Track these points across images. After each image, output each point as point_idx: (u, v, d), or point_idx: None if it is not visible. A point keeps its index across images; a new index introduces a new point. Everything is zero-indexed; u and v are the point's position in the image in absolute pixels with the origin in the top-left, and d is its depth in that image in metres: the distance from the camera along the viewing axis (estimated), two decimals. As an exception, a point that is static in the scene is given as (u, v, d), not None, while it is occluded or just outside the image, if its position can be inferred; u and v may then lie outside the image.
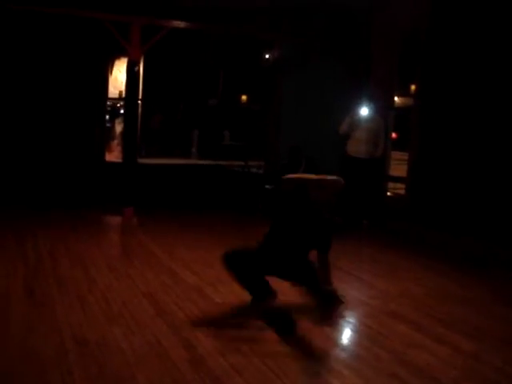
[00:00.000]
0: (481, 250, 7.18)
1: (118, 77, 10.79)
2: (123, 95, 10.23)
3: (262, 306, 4.65)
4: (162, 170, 9.65)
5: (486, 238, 7.33)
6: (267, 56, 10.77)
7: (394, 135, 11.58)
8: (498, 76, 7.51)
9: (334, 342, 4.33)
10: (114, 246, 7.37)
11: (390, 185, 10.16)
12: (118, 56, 10.36)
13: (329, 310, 4.56)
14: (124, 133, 9.28)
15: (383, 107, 9.30)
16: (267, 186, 9.75)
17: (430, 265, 6.76)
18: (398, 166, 10.65)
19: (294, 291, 4.61)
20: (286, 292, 4.80)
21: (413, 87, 9.78)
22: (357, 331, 4.64)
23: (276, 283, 4.68)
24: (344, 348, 4.25)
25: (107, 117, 10.66)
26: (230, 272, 4.64)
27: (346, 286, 5.40)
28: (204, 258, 6.35)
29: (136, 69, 8.57)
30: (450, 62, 8.25)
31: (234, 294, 5.11)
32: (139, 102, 9.74)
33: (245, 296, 5.08)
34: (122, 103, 10.64)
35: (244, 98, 12.07)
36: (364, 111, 9.00)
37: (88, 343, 3.86)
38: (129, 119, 8.91)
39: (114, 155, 10.33)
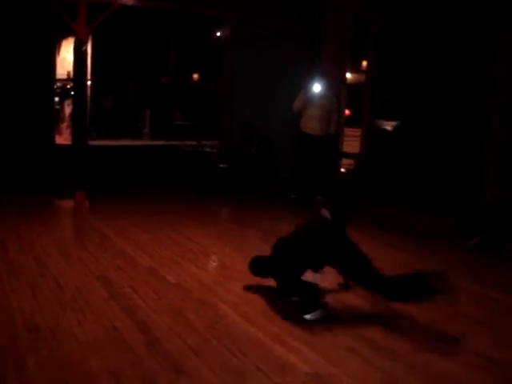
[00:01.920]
0: (427, 223, 7.30)
1: (66, 57, 10.51)
2: (72, 76, 9.97)
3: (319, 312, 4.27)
4: (114, 151, 9.45)
5: (431, 210, 7.46)
6: (218, 34, 10.63)
7: (347, 112, 11.61)
8: (446, 51, 7.58)
9: (291, 319, 4.32)
10: (66, 230, 7.21)
11: (345, 161, 10.22)
12: (65, 36, 10.07)
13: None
14: (73, 114, 9.04)
15: (336, 84, 9.30)
16: (222, 165, 9.69)
17: (385, 238, 6.82)
18: (352, 142, 10.69)
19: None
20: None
21: (364, 63, 9.77)
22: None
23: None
24: (301, 325, 4.25)
25: (57, 99, 10.38)
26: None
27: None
28: (158, 238, 6.27)
29: (83, 48, 8.34)
30: (402, 39, 8.29)
31: (187, 273, 5.08)
32: (88, 82, 9.52)
33: (201, 275, 5.05)
34: (71, 84, 10.36)
35: (196, 76, 11.91)
36: (317, 88, 8.98)
37: (41, 329, 3.76)
38: (77, 100, 8.68)
39: (63, 138, 10.07)
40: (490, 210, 6.22)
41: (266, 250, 5.21)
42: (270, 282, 4.58)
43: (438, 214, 7.41)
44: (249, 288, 4.76)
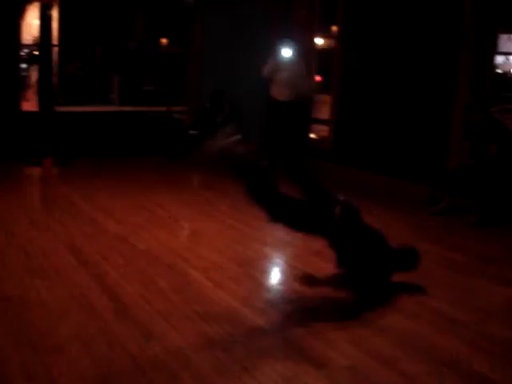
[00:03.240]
0: (399, 188, 7.39)
1: (32, 23, 10.29)
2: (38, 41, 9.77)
3: None
4: (82, 117, 9.33)
5: (402, 176, 7.55)
6: (187, -2, 10.47)
7: (318, 78, 11.58)
8: (415, 17, 7.59)
9: (260, 282, 4.38)
10: (34, 198, 7.15)
11: (317, 127, 10.24)
12: (31, 1, 9.85)
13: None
14: (39, 80, 8.89)
15: (305, 49, 9.26)
16: (191, 132, 9.63)
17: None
18: (324, 108, 10.68)
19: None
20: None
21: (334, 28, 9.73)
22: (282, 271, 4.71)
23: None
24: (270, 288, 4.31)
25: (24, 65, 10.18)
26: None
27: (270, 228, 5.40)
28: (127, 205, 6.26)
29: (49, 13, 8.18)
30: (371, 3, 8.27)
31: (157, 240, 5.09)
32: (55, 47, 9.34)
33: (171, 242, 5.07)
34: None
35: (164, 41, 11.73)
36: (286, 53, 8.93)
37: (9, 298, 3.75)
38: (43, 66, 8.54)
39: (30, 104, 9.91)
40: (457, 175, 6.30)
41: (236, 216, 5.25)
42: (241, 246, 4.63)
43: (403, 178, 7.50)
44: (219, 254, 4.80)
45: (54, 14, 9.11)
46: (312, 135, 10.18)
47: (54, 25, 9.32)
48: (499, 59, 14.43)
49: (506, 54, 14.50)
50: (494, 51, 7.45)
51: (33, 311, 3.59)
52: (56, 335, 3.29)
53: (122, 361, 3.03)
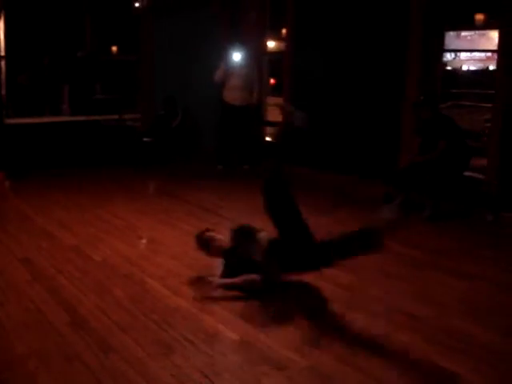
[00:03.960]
0: (354, 187, 7.47)
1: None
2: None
3: None
4: (33, 129, 9.15)
5: (357, 175, 7.63)
6: (137, 4, 10.40)
7: (272, 81, 11.62)
8: (362, 17, 7.68)
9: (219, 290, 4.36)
10: (-14, 212, 6.98)
11: (269, 130, 10.25)
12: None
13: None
14: (-13, 93, 8.73)
15: (256, 52, 9.29)
16: (145, 139, 9.56)
17: (309, 203, 6.87)
18: (276, 111, 10.72)
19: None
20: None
21: (284, 31, 9.78)
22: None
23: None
24: (229, 295, 4.28)
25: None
26: None
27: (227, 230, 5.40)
28: (81, 216, 6.17)
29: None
30: (320, 5, 8.33)
31: (113, 250, 5.03)
32: (2, 58, 9.17)
33: (127, 251, 5.01)
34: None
35: (114, 48, 11.63)
36: (237, 57, 8.94)
37: (-40, 316, 3.67)
38: (-9, 78, 8.39)
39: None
40: (409, 171, 6.39)
41: (192, 222, 5.21)
42: (198, 253, 4.60)
43: (357, 176, 7.59)
44: (176, 261, 4.77)
45: (1, 24, 8.96)
46: (267, 138, 10.20)
47: (1, 35, 9.17)
48: (448, 56, 14.77)
49: (455, 51, 14.82)
50: (442, 49, 7.59)
51: (-14, 329, 3.52)
52: (11, 351, 3.23)
53: (82, 375, 2.99)
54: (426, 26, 6.98)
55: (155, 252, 5.04)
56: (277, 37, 11.83)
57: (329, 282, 4.36)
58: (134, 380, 2.94)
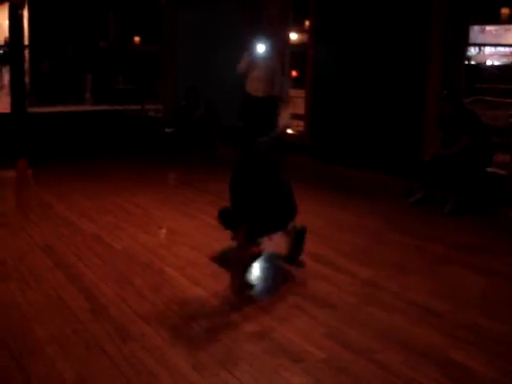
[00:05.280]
0: (375, 181, 7.44)
1: (2, 23, 10.17)
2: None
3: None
4: (55, 118, 9.22)
5: (378, 169, 7.60)
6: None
7: (294, 73, 11.58)
8: (386, 10, 7.63)
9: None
10: (8, 200, 7.04)
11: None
12: (0, 1, 9.74)
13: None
14: (11, 81, 8.79)
15: (279, 44, 9.26)
16: (167, 130, 9.59)
17: (329, 197, 6.91)
18: (301, 104, 10.69)
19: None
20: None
21: (307, 23, 9.74)
22: (259, 266, 4.70)
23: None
24: (246, 283, 4.30)
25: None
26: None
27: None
28: (102, 205, 6.21)
29: (19, 13, 8.08)
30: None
31: (133, 239, 5.06)
32: (26, 47, 9.23)
33: (147, 240, 5.05)
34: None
35: (137, 39, 11.68)
36: (260, 49, 8.92)
37: (-17, 301, 3.73)
38: (15, 67, 8.43)
39: (2, 106, 9.80)
40: (431, 166, 6.34)
41: (212, 213, 5.23)
42: (219, 244, 4.63)
43: (378, 171, 7.55)
44: (196, 251, 4.79)
45: (25, 13, 9.01)
46: (289, 130, 10.19)
47: (25, 25, 9.22)
48: (472, 51, 14.61)
49: (479, 45, 14.65)
50: (466, 43, 7.51)
51: (8, 313, 3.57)
52: (32, 337, 3.27)
53: (100, 361, 3.03)
54: (449, 19, 6.91)
55: (175, 242, 5.06)
56: (299, 29, 11.78)
57: (348, 274, 4.37)
58: (152, 368, 2.96)
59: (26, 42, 9.47)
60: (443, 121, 6.45)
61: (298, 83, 10.95)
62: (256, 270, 4.50)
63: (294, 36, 10.81)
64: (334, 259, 4.72)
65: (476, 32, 12.87)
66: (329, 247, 5.05)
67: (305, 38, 10.28)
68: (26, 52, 9.48)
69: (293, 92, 10.25)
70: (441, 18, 6.90)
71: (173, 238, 5.23)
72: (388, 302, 3.92)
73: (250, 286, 4.16)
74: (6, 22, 9.42)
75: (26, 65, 9.38)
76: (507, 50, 14.87)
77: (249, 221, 4.04)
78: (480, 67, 15.22)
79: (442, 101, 6.52)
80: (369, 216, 6.09)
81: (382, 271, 4.50)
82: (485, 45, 14.89)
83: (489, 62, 15.50)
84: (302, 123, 9.70)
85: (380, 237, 5.41)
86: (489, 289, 4.28)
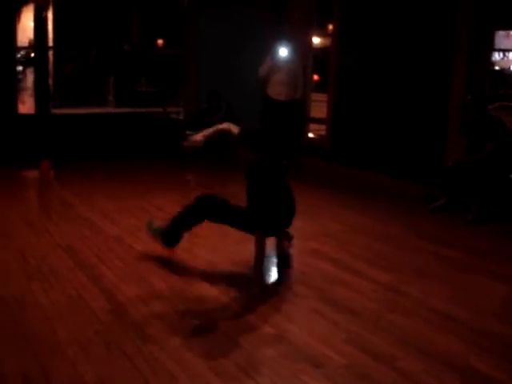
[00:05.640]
0: (396, 187, 7.40)
1: (27, 25, 10.29)
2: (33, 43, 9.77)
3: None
4: (78, 119, 9.32)
5: (400, 175, 7.55)
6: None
7: (316, 77, 11.58)
8: (410, 14, 7.59)
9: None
10: (31, 200, 7.12)
11: (315, 126, 10.23)
12: (25, 3, 9.85)
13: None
14: (35, 83, 8.90)
15: (302, 48, 9.27)
16: (189, 132, 9.62)
17: (350, 202, 6.88)
18: (320, 107, 10.68)
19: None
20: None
21: (330, 27, 9.74)
22: (278, 271, 4.70)
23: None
24: (266, 287, 4.30)
25: (20, 67, 10.18)
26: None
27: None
28: (124, 207, 6.25)
29: (44, 14, 8.18)
30: (367, 1, 8.27)
31: (155, 241, 5.06)
32: (50, 49, 9.33)
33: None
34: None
35: (160, 42, 11.74)
36: (283, 53, 8.93)
37: (6, 300, 3.76)
38: (39, 68, 8.54)
39: (26, 107, 9.91)
40: (454, 173, 6.28)
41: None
42: (239, 247, 4.63)
43: (401, 177, 7.51)
44: (216, 254, 4.80)
45: (49, 15, 9.11)
46: (310, 134, 10.18)
47: (49, 26, 9.32)
48: (497, 56, 14.48)
49: (504, 50, 14.53)
50: (491, 48, 7.45)
51: (30, 314, 3.59)
52: (53, 338, 3.29)
53: (120, 363, 3.04)
54: (474, 24, 6.86)
55: (195, 244, 5.06)
56: (322, 33, 11.78)
57: (368, 280, 4.34)
58: (171, 369, 2.97)
59: (50, 44, 9.57)
60: (467, 127, 6.40)
61: (319, 87, 10.94)
62: (276, 273, 4.50)
63: (316, 40, 10.80)
64: (353, 264, 4.70)
65: (501, 37, 12.77)
66: (348, 252, 5.03)
67: (327, 41, 10.27)
68: (50, 54, 9.59)
69: (314, 96, 10.25)
70: (466, 23, 6.85)
71: (192, 240, 5.21)
72: (409, 308, 3.89)
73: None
74: (31, 24, 9.54)
75: (50, 66, 9.49)
76: (532, 55, 14.73)
77: (262, 222, 4.18)
78: (504, 73, 15.08)
79: (465, 106, 6.47)
80: (389, 221, 6.06)
81: (402, 277, 4.47)
82: (510, 50, 14.76)
83: (514, 68, 15.37)
84: (323, 127, 9.69)
85: (400, 242, 5.38)
86: (510, 296, 4.23)
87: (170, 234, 4.55)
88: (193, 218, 4.44)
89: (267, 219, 4.21)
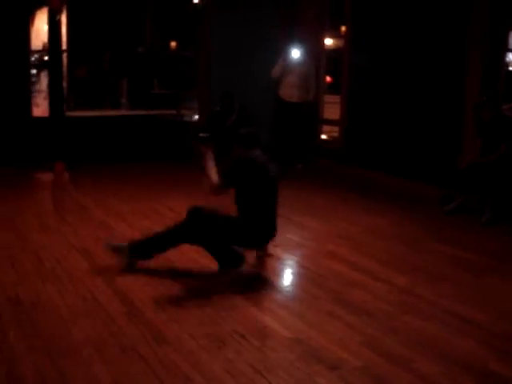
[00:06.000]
0: (411, 189, 7.36)
1: (41, 28, 10.36)
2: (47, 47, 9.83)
3: (231, 272, 4.41)
4: (92, 122, 9.37)
5: (414, 176, 7.50)
6: (196, 0, 10.49)
7: (328, 78, 11.54)
8: (423, 15, 7.55)
9: (272, 283, 4.38)
10: (46, 202, 7.16)
11: (327, 128, 10.21)
12: (39, 7, 9.92)
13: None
14: (49, 86, 8.94)
15: (314, 50, 9.25)
16: (201, 135, 9.62)
17: (364, 204, 6.86)
18: (333, 109, 10.65)
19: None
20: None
21: (343, 28, 9.71)
22: (295, 273, 4.70)
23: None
24: (281, 289, 4.30)
25: (34, 71, 10.24)
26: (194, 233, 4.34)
27: (281, 229, 5.38)
28: (139, 209, 6.27)
29: (58, 18, 8.22)
30: (379, 2, 8.24)
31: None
32: (64, 52, 9.37)
33: (181, 246, 5.04)
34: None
35: (173, 44, 11.78)
36: (295, 54, 8.92)
37: (22, 302, 3.78)
38: (53, 71, 8.57)
39: (41, 110, 9.97)
40: (469, 173, 6.23)
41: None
42: (250, 252, 4.62)
43: (415, 178, 7.46)
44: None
45: (63, 18, 9.16)
46: (323, 136, 10.16)
47: (63, 30, 9.37)
48: (511, 57, 14.37)
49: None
50: (505, 48, 7.39)
51: (45, 315, 3.61)
52: (69, 339, 3.30)
53: (135, 365, 3.04)
54: (488, 24, 6.81)
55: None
56: (335, 34, 11.74)
57: (384, 282, 4.33)
58: (186, 372, 2.97)
59: (64, 47, 9.62)
60: (481, 128, 6.35)
61: (332, 89, 10.91)
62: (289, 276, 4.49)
63: (329, 41, 10.78)
64: (369, 266, 4.68)
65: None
66: (363, 254, 5.01)
67: (340, 43, 10.24)
68: (64, 57, 9.64)
69: (327, 97, 10.22)
70: (480, 23, 6.81)
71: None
72: (424, 310, 3.87)
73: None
74: (45, 27, 9.60)
75: (64, 69, 9.53)
76: (547, 55, 14.60)
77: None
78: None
79: (480, 107, 6.43)
80: (404, 223, 6.04)
81: (417, 279, 4.45)
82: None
83: (528, 68, 15.24)
84: (336, 128, 9.67)
85: (415, 244, 5.35)
86: (528, 299, 4.20)
87: (142, 248, 4.44)
88: (177, 235, 4.35)
89: (256, 226, 4.37)
